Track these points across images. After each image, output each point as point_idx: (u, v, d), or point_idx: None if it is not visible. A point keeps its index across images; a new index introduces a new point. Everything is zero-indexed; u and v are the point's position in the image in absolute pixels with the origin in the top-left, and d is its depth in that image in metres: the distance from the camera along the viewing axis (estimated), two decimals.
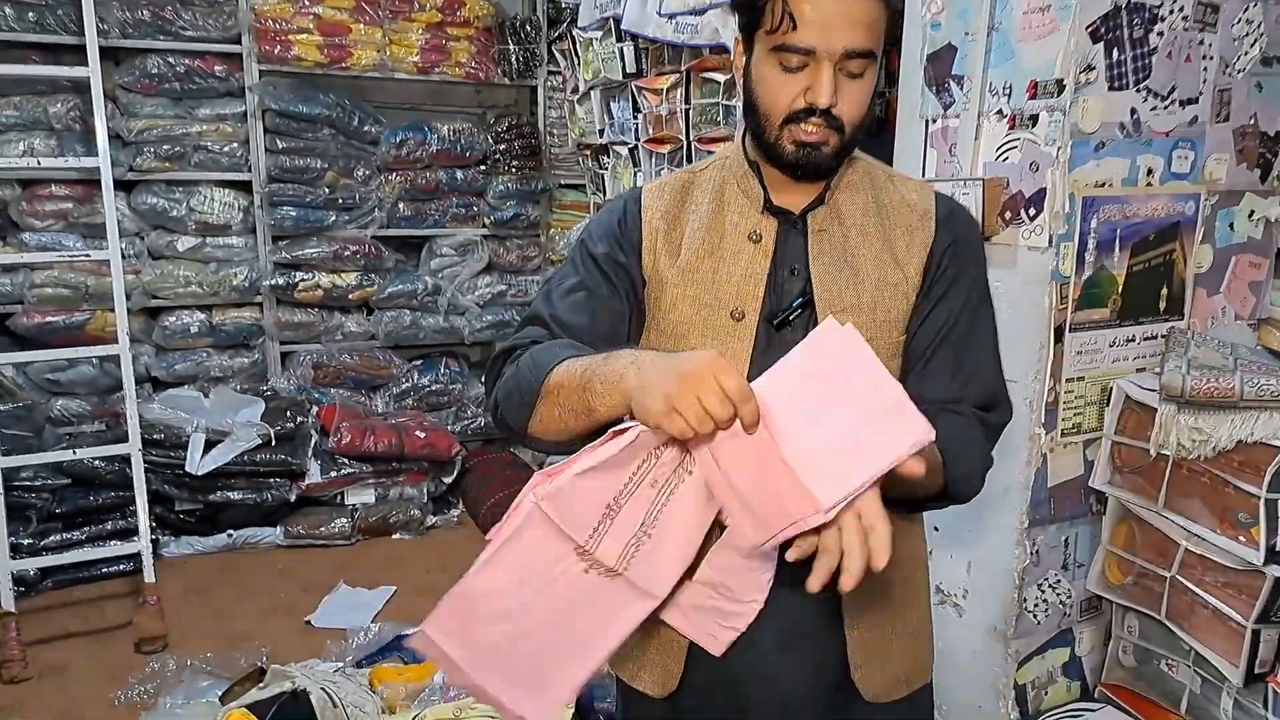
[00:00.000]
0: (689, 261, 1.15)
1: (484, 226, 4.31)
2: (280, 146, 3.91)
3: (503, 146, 4.33)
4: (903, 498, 1.04)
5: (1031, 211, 1.62)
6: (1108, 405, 1.71)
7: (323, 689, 2.40)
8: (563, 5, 3.89)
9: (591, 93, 3.57)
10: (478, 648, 0.99)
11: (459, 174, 4.23)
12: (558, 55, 4.05)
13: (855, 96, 1.04)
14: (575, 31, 3.54)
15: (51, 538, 3.49)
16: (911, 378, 1.17)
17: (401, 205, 4.15)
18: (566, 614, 1.00)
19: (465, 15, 4.17)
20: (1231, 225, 1.75)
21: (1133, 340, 1.72)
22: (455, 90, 4.45)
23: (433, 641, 1.00)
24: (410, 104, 4.34)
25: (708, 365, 0.87)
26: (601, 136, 3.58)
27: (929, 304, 1.17)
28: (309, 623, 3.25)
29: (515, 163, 4.35)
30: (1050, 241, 1.60)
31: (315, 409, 3.99)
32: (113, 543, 3.43)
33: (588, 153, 3.77)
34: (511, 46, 4.30)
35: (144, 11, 3.68)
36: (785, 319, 1.14)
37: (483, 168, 4.31)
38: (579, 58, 3.58)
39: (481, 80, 4.30)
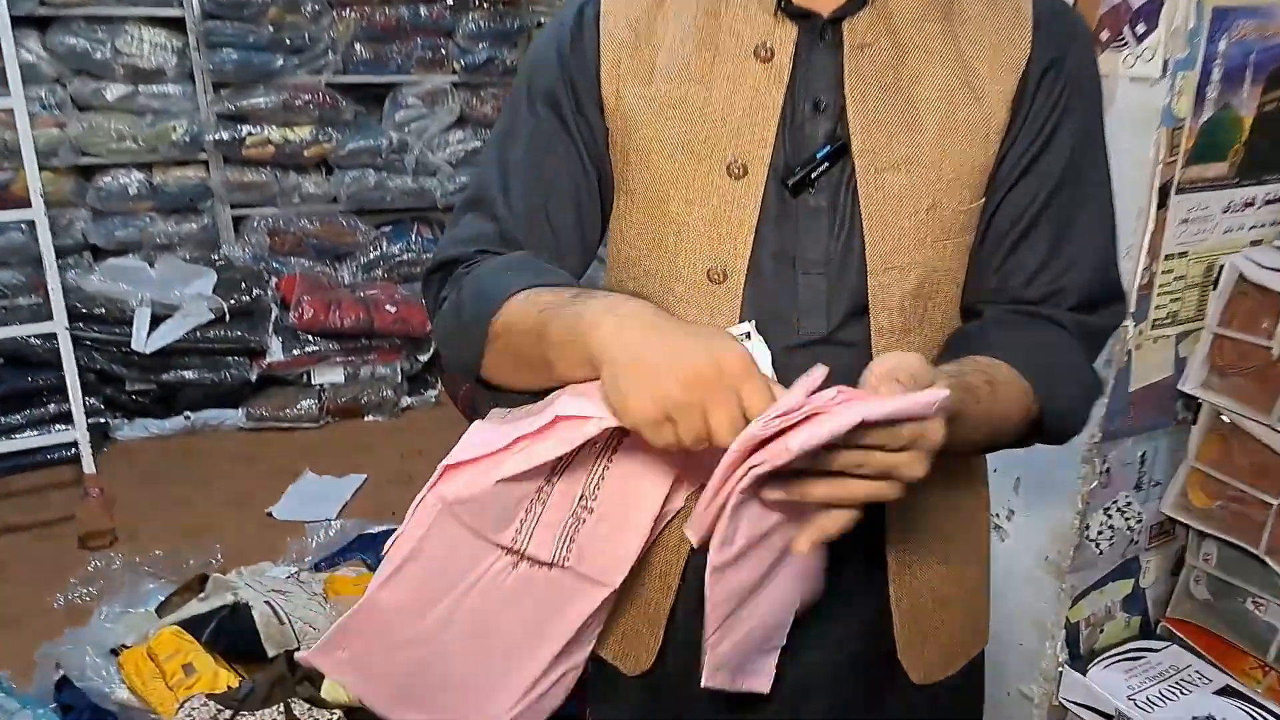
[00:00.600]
0: (667, 90, 0.81)
1: (454, 73, 3.80)
2: None
3: None
4: (970, 448, 0.79)
5: (1141, 28, 1.19)
6: (1213, 289, 1.34)
7: (267, 602, 2.13)
8: None
9: None
10: (382, 678, 0.82)
11: (423, 10, 3.69)
12: None
13: None
14: None
15: None
16: (986, 264, 0.84)
17: (359, 47, 3.64)
18: (494, 621, 0.80)
19: None
20: None
21: (1252, 204, 1.32)
22: None
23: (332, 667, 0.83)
24: None
25: (731, 371, 0.62)
26: None
27: (1020, 157, 0.81)
28: (270, 514, 3.00)
29: None
30: (1164, 70, 1.18)
31: (274, 280, 3.62)
32: (55, 428, 3.15)
33: None
34: None
35: None
36: (807, 177, 0.79)
37: (450, 3, 3.76)
38: None
39: None
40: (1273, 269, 1.26)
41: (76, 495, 3.00)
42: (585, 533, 0.75)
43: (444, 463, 0.72)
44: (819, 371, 0.61)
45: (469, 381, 0.85)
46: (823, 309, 0.80)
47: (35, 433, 3.18)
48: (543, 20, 3.85)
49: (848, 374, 0.64)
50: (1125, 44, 1.22)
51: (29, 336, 3.06)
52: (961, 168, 0.79)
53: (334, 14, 3.57)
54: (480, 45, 3.79)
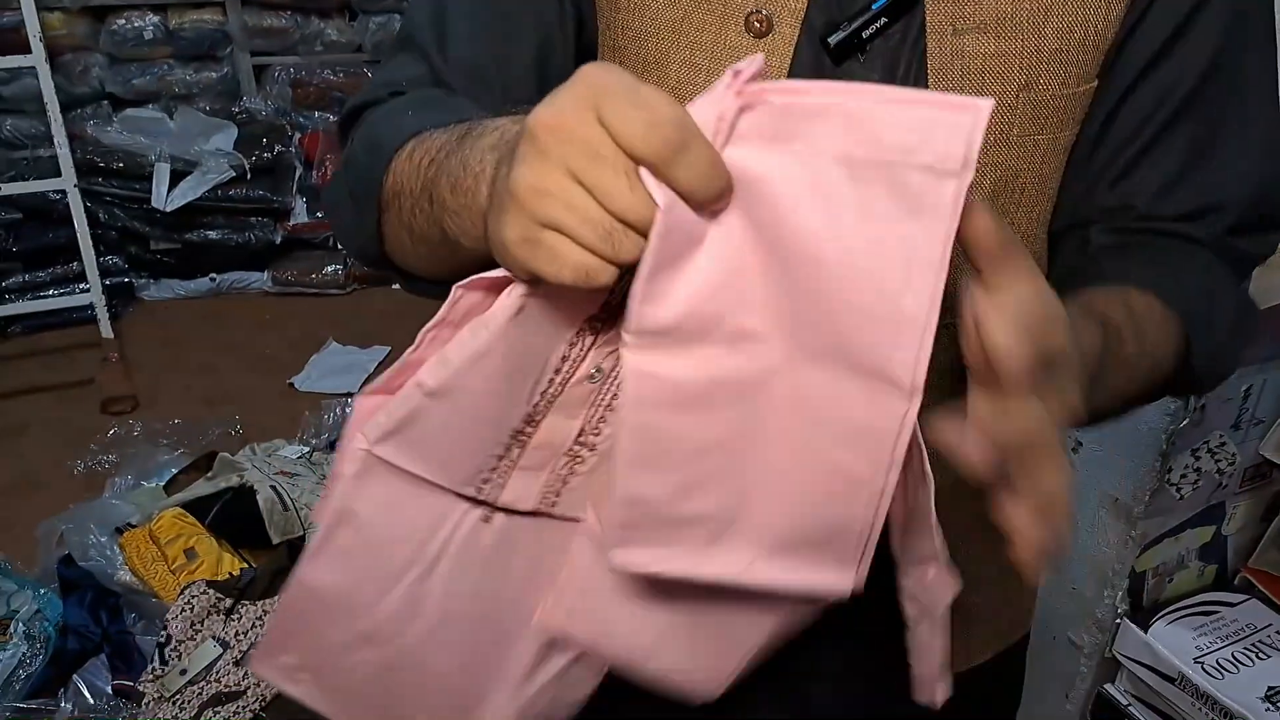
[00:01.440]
0: None
1: None
2: None
3: None
4: (1117, 404, 0.58)
5: None
6: None
7: (273, 486, 2.05)
8: None
9: None
10: (339, 687, 0.62)
11: None
12: None
13: None
14: None
15: (11, 280, 3.14)
16: (1100, 174, 0.63)
17: None
18: (472, 595, 0.59)
19: None
20: None
21: None
22: None
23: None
24: None
25: (586, 105, 0.37)
26: None
27: (1155, 31, 0.59)
28: (291, 385, 2.91)
29: None
30: None
31: (297, 136, 3.43)
32: (80, 286, 3.06)
33: None
34: None
35: None
36: (856, 36, 0.58)
37: None
38: None
39: None
40: None
41: (98, 358, 2.94)
42: (582, 474, 0.57)
43: (358, 393, 0.54)
44: (752, 60, 0.38)
45: (371, 267, 0.65)
46: None
47: (57, 291, 3.11)
48: None
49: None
50: None
51: (47, 191, 2.94)
52: (1071, 37, 0.56)
53: None
54: None
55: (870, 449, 0.42)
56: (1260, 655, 1.29)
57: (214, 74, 3.41)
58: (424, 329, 0.49)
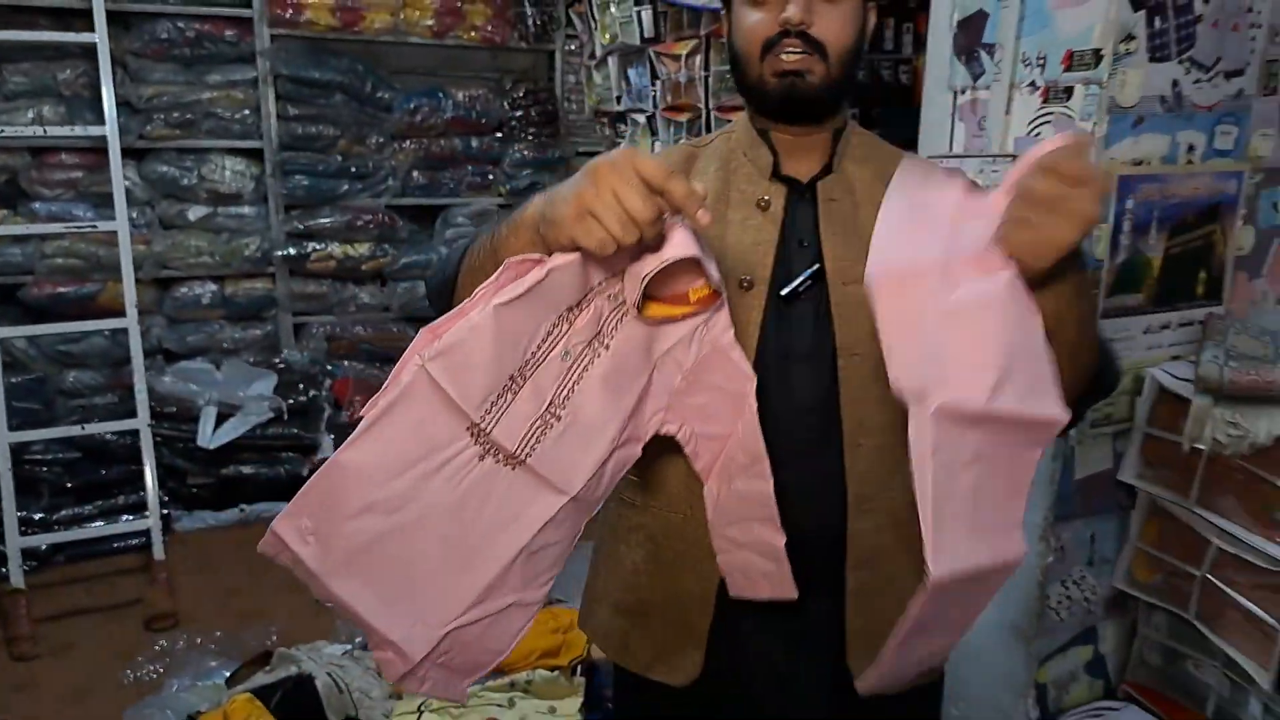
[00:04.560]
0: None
1: (500, 195, 4.23)
2: (292, 113, 3.83)
3: (519, 113, 4.23)
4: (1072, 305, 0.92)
5: None
6: (1139, 395, 1.62)
7: (328, 674, 2.37)
8: None
9: (609, 58, 3.47)
10: (338, 550, 0.82)
11: (474, 141, 4.14)
12: (575, 19, 3.93)
13: (834, 18, 1.00)
14: None
15: (62, 512, 3.48)
16: None
17: (416, 174, 4.07)
18: (454, 511, 0.82)
19: None
20: (1276, 205, 1.65)
21: (1168, 327, 1.62)
22: (471, 55, 4.33)
23: (283, 544, 0.83)
24: (425, 69, 4.24)
25: (623, 156, 0.79)
26: (619, 104, 3.48)
27: None
28: (319, 602, 3.22)
29: (532, 130, 4.25)
30: None
31: (329, 382, 3.95)
32: (124, 518, 3.41)
33: (605, 120, 3.66)
34: (528, 9, 4.18)
35: None
36: (795, 291, 1.07)
37: (499, 135, 4.21)
38: (596, 21, 3.47)
39: (497, 44, 4.20)
40: (1184, 379, 1.54)
41: (143, 581, 3.24)
42: (551, 438, 0.83)
43: (424, 329, 0.81)
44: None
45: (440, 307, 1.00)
46: (808, 389, 1.06)
47: (104, 522, 3.44)
48: (580, 150, 4.29)
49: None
50: None
51: (107, 433, 3.38)
52: None
53: (395, 145, 4.01)
54: (524, 171, 4.22)
55: None
56: None
57: (259, 331, 3.98)
58: (478, 288, 0.79)
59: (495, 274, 0.81)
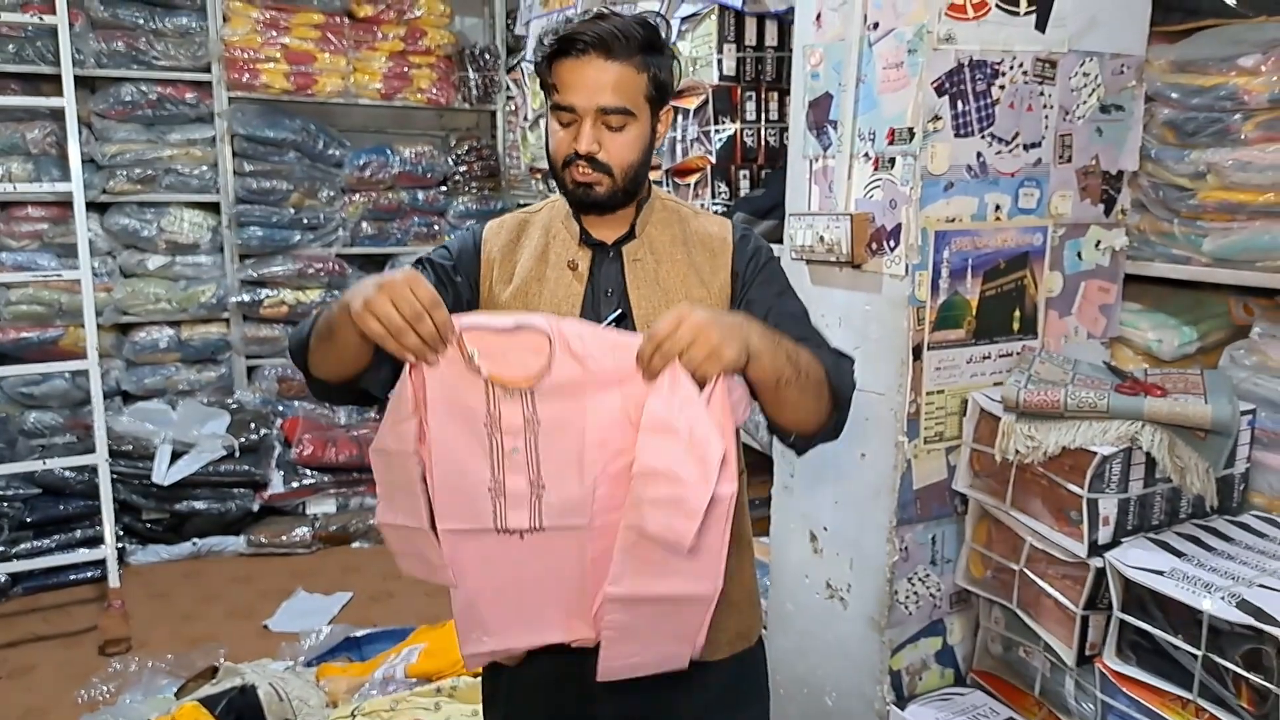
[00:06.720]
0: (519, 286, 1.35)
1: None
2: (248, 169, 4.09)
3: (463, 168, 4.52)
4: (783, 369, 1.15)
5: (892, 243, 1.81)
6: (965, 415, 1.90)
7: (270, 685, 2.57)
8: (518, 35, 4.09)
9: (541, 120, 3.77)
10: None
11: (420, 194, 4.42)
12: (510, 84, 4.25)
13: (618, 145, 1.26)
14: (524, 63, 3.74)
15: (22, 545, 3.64)
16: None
17: (365, 225, 4.34)
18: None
19: (427, 44, 4.37)
20: (1079, 254, 1.95)
21: (989, 357, 1.91)
22: (417, 114, 4.64)
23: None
24: (374, 128, 4.54)
25: (404, 276, 1.05)
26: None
27: (743, 305, 1.35)
28: (266, 627, 3.41)
29: (475, 183, 4.55)
30: (906, 270, 1.79)
31: (279, 421, 4.16)
32: (80, 550, 3.57)
33: (538, 176, 3.96)
34: (471, 73, 4.50)
35: (119, 43, 3.87)
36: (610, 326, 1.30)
37: (444, 188, 4.50)
38: (528, 87, 3.78)
39: (442, 105, 4.50)
40: (996, 400, 1.83)
41: (97, 609, 3.41)
42: (548, 502, 1.13)
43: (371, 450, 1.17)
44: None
45: (308, 381, 1.29)
46: None
47: (61, 555, 3.60)
48: (521, 202, 4.58)
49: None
50: (885, 253, 1.83)
51: (65, 469, 3.56)
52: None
53: (346, 198, 4.27)
54: (467, 222, 4.50)
55: None
56: None
57: (214, 373, 4.20)
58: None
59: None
